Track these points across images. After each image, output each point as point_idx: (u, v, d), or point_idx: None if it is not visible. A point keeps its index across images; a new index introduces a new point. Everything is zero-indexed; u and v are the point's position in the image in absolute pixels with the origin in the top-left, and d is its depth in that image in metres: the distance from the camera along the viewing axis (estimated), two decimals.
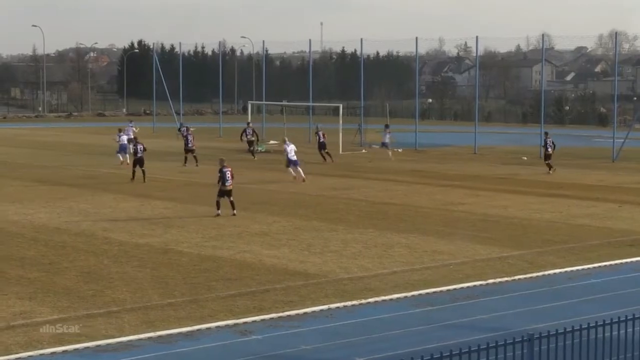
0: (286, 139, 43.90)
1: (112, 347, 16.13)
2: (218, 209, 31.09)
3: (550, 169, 46.61)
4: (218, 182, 31.63)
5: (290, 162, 42.36)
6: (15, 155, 52.84)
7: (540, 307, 19.18)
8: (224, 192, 31.41)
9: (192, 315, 18.15)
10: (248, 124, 57.48)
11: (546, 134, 49.19)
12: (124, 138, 49.94)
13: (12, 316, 18.00)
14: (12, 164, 49.23)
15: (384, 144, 55.25)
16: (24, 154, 55.31)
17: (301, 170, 42.17)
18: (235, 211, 31.10)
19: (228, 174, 31.49)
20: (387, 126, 56.50)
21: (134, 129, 58.43)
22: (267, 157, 56.00)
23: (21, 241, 26.39)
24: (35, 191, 38.35)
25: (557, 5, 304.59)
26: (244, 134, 55.77)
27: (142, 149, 41.73)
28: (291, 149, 42.36)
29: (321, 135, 53.29)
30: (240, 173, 45.49)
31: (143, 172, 41.34)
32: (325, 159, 52.12)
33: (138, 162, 41.54)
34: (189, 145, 49.05)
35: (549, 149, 47.30)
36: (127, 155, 47.86)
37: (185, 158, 48.99)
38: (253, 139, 55.39)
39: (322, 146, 52.98)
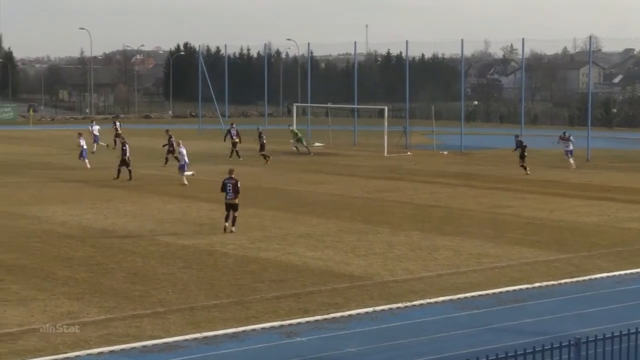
0: (180, 142, 43.28)
1: (158, 347, 16.24)
2: (226, 221, 28.49)
3: (526, 170, 47.00)
4: (222, 191, 29.11)
5: (183, 166, 41.61)
6: (63, 157, 53.40)
7: (587, 312, 19.03)
8: (228, 206, 28.58)
9: (237, 317, 18.21)
10: (232, 124, 58.32)
11: (517, 136, 49.71)
12: (83, 142, 50.03)
13: (60, 316, 18.18)
14: (60, 165, 49.71)
15: (568, 152, 51.35)
16: (71, 155, 55.78)
17: (185, 175, 41.52)
18: (234, 228, 28.29)
19: (229, 186, 28.57)
20: (564, 133, 53.59)
21: (97, 128, 61.68)
22: (309, 158, 56.09)
23: (69, 242, 26.64)
24: (83, 192, 38.70)
25: (605, 7, 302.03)
26: (228, 135, 56.33)
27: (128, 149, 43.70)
28: (185, 152, 41.94)
29: (263, 138, 54.56)
30: (283, 175, 45.69)
31: (129, 171, 42.75)
32: (266, 160, 52.82)
33: (125, 162, 42.92)
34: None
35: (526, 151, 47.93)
36: (87, 160, 49.00)
37: (167, 159, 49.48)
38: (237, 140, 55.62)
39: (262, 148, 53.93)
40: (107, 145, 59.10)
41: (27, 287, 20.71)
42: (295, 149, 60.61)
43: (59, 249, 25.58)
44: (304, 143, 60.94)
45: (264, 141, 54.48)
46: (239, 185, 28.64)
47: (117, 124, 66.56)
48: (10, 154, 58.35)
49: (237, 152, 54.82)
